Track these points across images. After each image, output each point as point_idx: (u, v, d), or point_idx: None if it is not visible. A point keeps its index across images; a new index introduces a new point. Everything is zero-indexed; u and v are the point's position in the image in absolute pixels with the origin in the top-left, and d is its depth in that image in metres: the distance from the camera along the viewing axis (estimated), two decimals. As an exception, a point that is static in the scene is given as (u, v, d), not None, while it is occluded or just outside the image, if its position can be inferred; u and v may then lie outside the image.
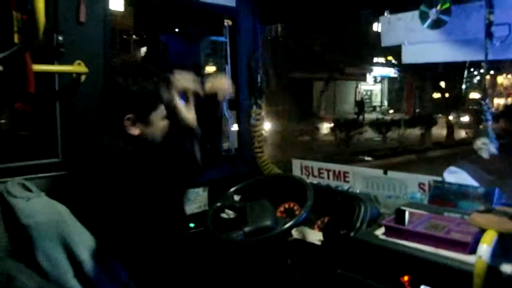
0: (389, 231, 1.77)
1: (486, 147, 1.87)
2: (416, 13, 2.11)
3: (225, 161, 2.66)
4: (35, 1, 1.27)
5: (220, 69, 2.68)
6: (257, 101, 2.63)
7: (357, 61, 22.40)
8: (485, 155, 1.89)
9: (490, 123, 1.90)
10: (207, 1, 2.38)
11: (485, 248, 1.43)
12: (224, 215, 2.17)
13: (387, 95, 32.79)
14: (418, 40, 2.20)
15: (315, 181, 2.58)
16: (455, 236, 1.63)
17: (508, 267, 1.44)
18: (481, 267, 1.41)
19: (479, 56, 1.91)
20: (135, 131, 1.62)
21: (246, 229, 1.91)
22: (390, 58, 24.14)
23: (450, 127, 18.19)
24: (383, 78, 32.10)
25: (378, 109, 30.82)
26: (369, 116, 22.72)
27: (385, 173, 2.38)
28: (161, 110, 1.66)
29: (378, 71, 30.13)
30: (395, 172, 2.38)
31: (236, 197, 2.21)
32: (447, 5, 1.99)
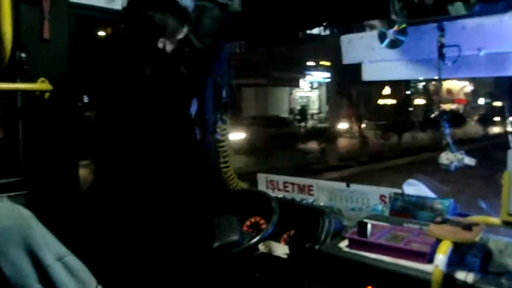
0: (352, 244, 1.83)
1: (450, 161, 1.96)
2: (375, 33, 2.21)
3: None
4: (1, 26, 1.25)
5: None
6: (222, 116, 2.66)
7: (288, 65, 20.62)
8: (451, 169, 1.98)
9: (449, 137, 1.99)
10: None
11: (441, 258, 1.51)
12: None
13: (326, 101, 29.88)
14: (378, 58, 2.31)
15: (280, 194, 2.63)
16: (414, 247, 1.71)
17: (463, 275, 1.53)
18: (438, 276, 1.49)
19: (433, 75, 2.03)
20: None
21: (214, 244, 1.93)
22: (324, 62, 22.12)
23: (364, 138, 15.87)
24: (320, 83, 30.10)
25: (316, 117, 28.72)
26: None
27: (348, 185, 2.46)
28: None
29: (314, 76, 28.12)
30: (357, 185, 2.46)
31: None
32: (404, 26, 2.10)
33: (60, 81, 1.94)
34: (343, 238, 1.92)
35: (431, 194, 2.20)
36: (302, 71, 25.07)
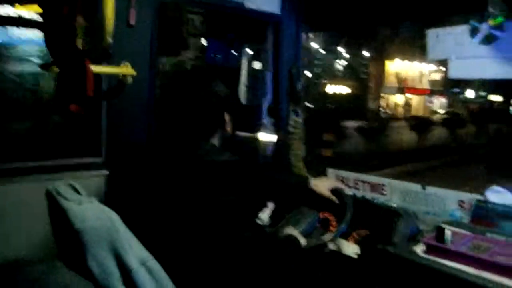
0: (430, 249, 1.73)
1: None
2: (465, 27, 2.06)
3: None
4: (105, 10, 1.29)
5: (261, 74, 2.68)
6: (296, 109, 2.62)
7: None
8: None
9: None
10: (252, 8, 2.38)
11: (534, 275, 1.38)
12: (258, 221, 2.16)
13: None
14: (467, 55, 2.15)
15: (350, 192, 2.55)
16: (501, 260, 1.58)
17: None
18: (530, 295, 1.37)
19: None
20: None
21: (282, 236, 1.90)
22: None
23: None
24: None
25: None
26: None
27: (424, 188, 2.34)
28: None
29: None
30: (434, 187, 2.33)
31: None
32: (500, 20, 1.94)
33: (142, 66, 1.99)
34: (419, 242, 1.82)
35: (519, 204, 2.03)
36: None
